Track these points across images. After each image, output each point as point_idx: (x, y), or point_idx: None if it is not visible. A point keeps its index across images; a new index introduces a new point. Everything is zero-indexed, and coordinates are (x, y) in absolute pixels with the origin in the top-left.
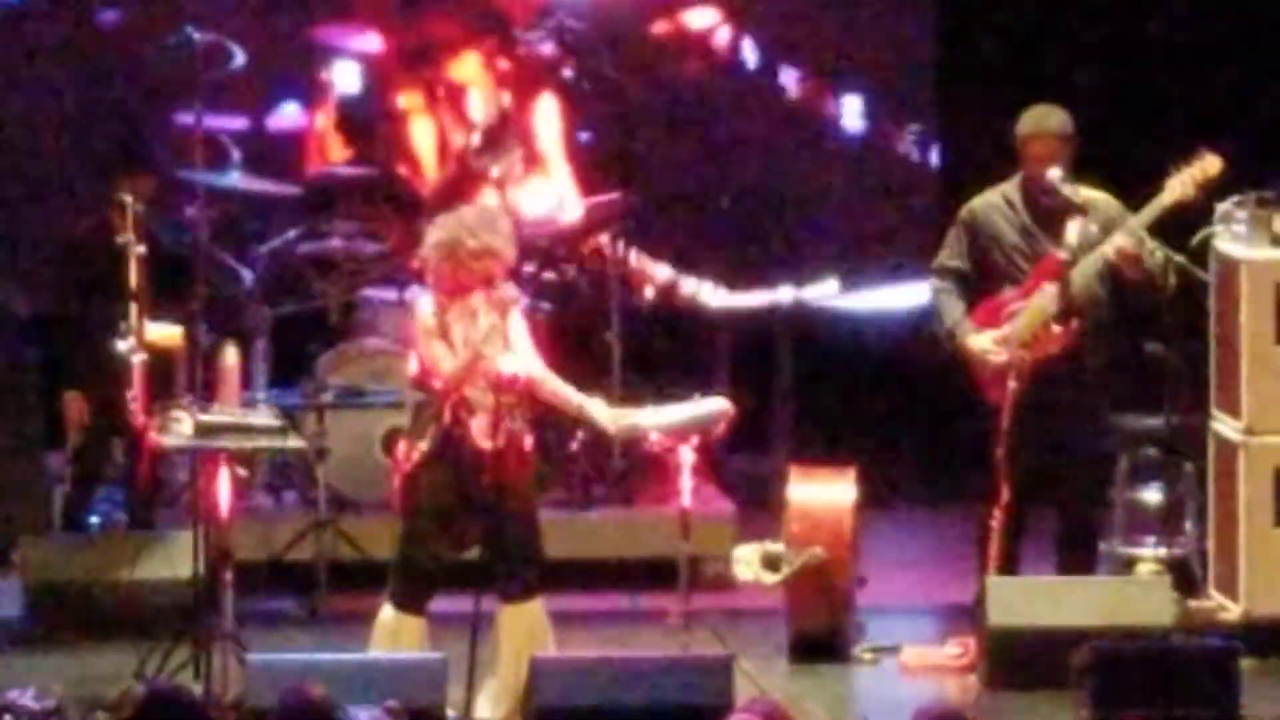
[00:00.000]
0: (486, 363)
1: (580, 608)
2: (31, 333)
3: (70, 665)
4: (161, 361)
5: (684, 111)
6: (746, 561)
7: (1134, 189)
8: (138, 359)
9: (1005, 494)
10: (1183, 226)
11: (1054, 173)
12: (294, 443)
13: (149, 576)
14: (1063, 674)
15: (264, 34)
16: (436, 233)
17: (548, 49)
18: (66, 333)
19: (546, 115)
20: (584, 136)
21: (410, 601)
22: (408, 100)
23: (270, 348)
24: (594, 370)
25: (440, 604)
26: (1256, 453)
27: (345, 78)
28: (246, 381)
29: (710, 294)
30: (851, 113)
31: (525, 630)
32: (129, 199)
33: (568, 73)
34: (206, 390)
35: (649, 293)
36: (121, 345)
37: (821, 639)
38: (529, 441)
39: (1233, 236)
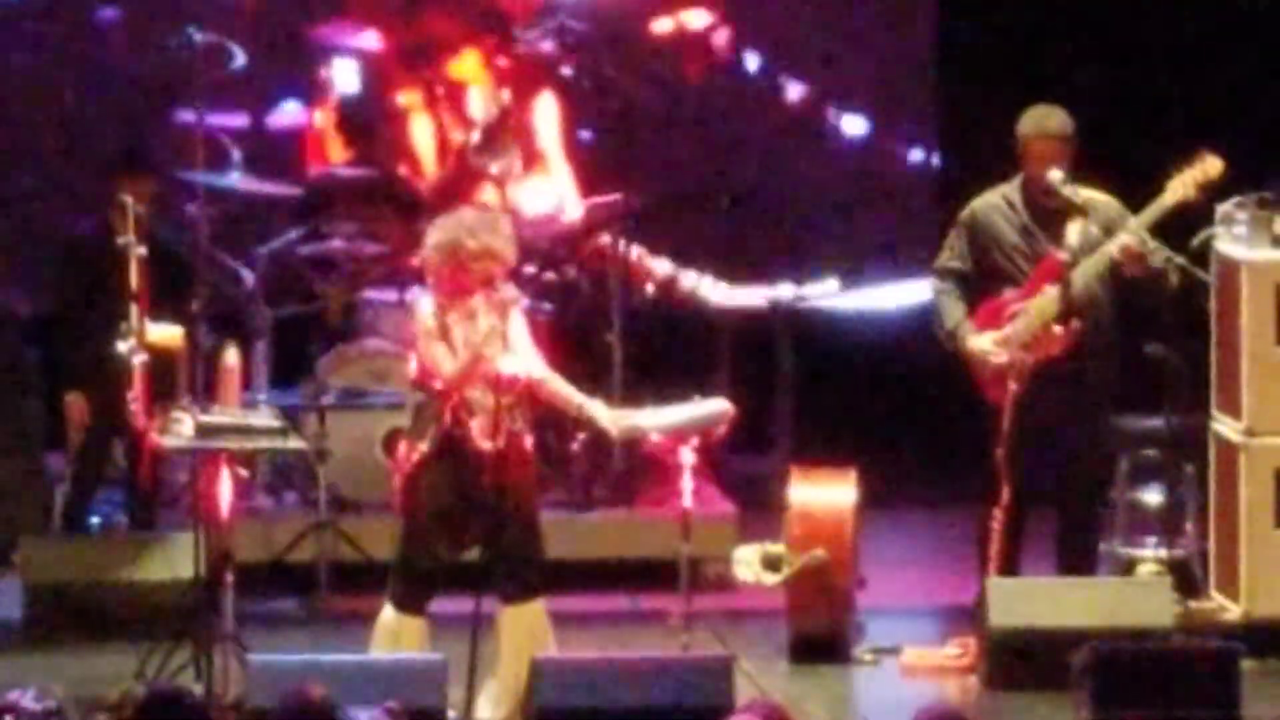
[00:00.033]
0: (487, 364)
1: (581, 608)
2: (32, 333)
3: (71, 666)
4: (162, 362)
5: (684, 111)
6: (747, 562)
7: (1134, 189)
8: (138, 360)
9: (1006, 495)
10: (1183, 228)
11: (1054, 173)
12: (295, 444)
13: (149, 577)
14: (1063, 675)
15: (263, 32)
16: (436, 234)
17: (547, 47)
18: (67, 333)
19: (546, 113)
20: (584, 135)
21: (411, 602)
22: (407, 98)
23: (271, 349)
24: (594, 371)
25: (441, 605)
26: (1257, 453)
27: (344, 76)
28: (247, 382)
29: (710, 289)
30: (851, 115)
31: (526, 631)
32: (129, 200)
33: (567, 71)
34: (207, 391)
35: (649, 289)
36: (122, 346)
37: (822, 640)
38: (529, 442)
39: (1233, 238)
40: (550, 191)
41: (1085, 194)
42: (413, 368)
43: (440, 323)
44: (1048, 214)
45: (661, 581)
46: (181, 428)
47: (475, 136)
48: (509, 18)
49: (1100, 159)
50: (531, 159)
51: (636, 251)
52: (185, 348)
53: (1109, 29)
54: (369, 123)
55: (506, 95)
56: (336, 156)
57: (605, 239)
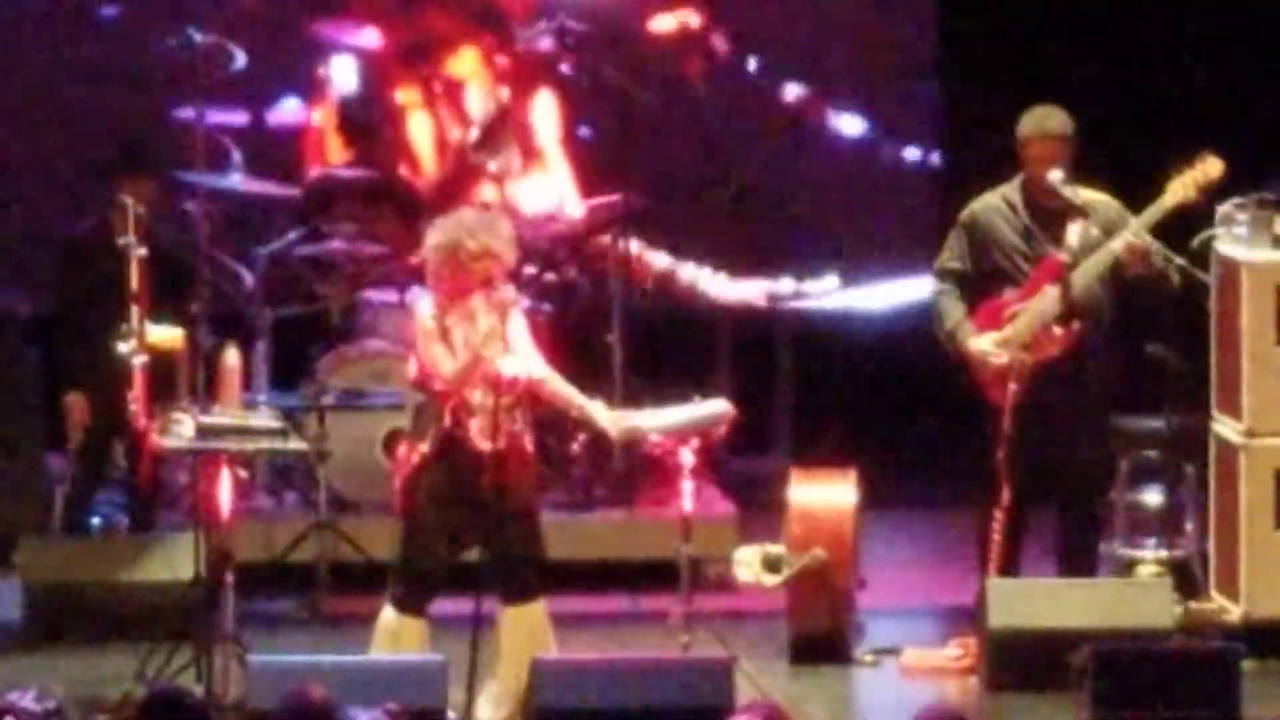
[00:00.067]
0: (486, 365)
1: (581, 609)
2: (32, 333)
3: (71, 667)
4: (162, 363)
5: (684, 111)
6: (747, 563)
7: (1134, 189)
8: (139, 361)
9: (1006, 495)
10: (1184, 228)
11: (1055, 174)
12: (295, 444)
13: (150, 578)
14: (1063, 676)
15: (263, 29)
16: (436, 235)
17: (546, 45)
18: (67, 334)
19: (545, 111)
20: (583, 133)
21: (411, 603)
22: (406, 96)
23: (271, 349)
24: (594, 372)
25: (441, 605)
26: (1257, 454)
27: (343, 73)
28: (247, 383)
29: (709, 282)
30: (851, 114)
31: (526, 632)
32: (129, 200)
33: (565, 69)
34: (207, 392)
35: (648, 283)
36: (122, 347)
37: (822, 640)
38: (529, 443)
39: (1233, 238)
40: (549, 189)
41: (1085, 195)
42: (412, 368)
43: (440, 324)
44: (1048, 215)
45: (662, 582)
46: (182, 428)
47: (473, 134)
48: (508, 16)
49: (1100, 159)
50: (530, 156)
51: (635, 246)
52: (185, 348)
53: (1109, 29)
54: (369, 123)
55: (505, 93)
56: (336, 157)
57: (606, 239)
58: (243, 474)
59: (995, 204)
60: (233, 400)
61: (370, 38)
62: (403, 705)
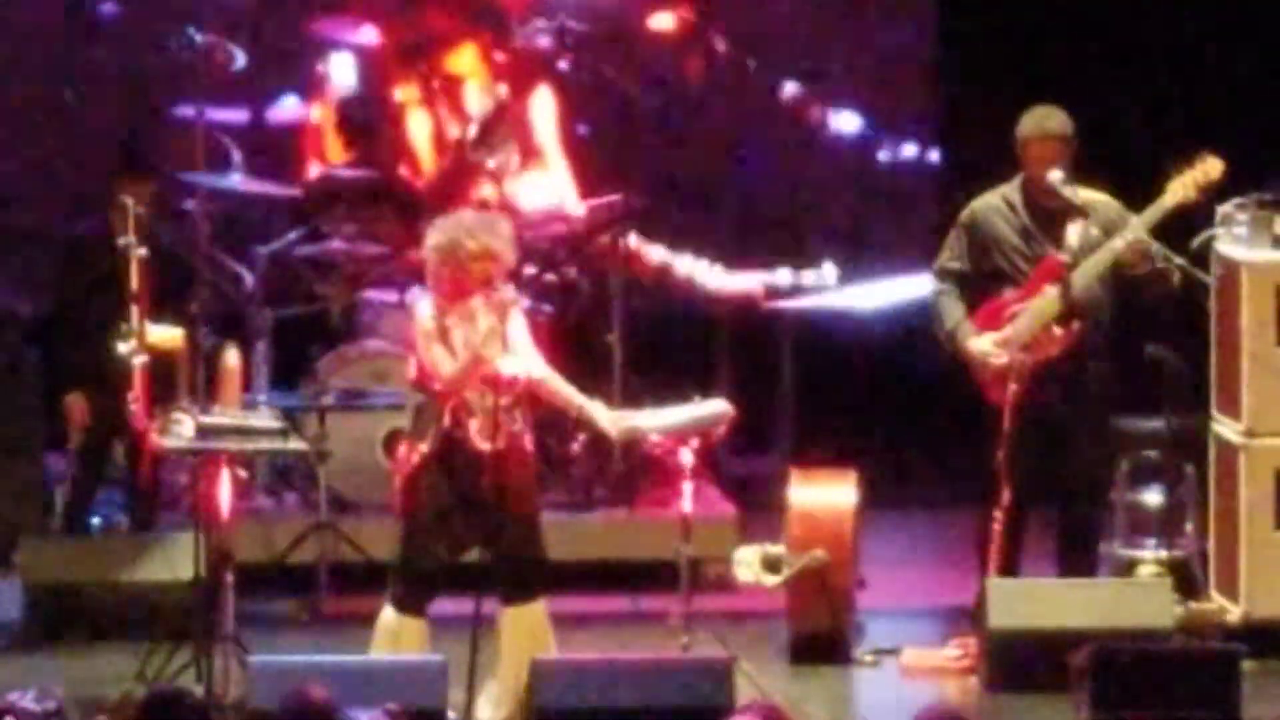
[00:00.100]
0: (486, 365)
1: (581, 609)
2: (32, 334)
3: (71, 667)
4: (162, 364)
5: (684, 111)
6: (747, 563)
7: (1134, 189)
8: (139, 361)
9: (1006, 496)
10: (1184, 228)
11: (1055, 174)
12: (295, 445)
13: (150, 578)
14: (1063, 676)
15: (263, 27)
16: (436, 235)
17: (543, 42)
18: (67, 334)
19: (543, 108)
20: (582, 130)
21: (411, 603)
22: (404, 93)
23: (271, 350)
24: (594, 372)
25: (441, 606)
26: (1257, 454)
27: (342, 71)
28: (247, 383)
29: (706, 274)
30: (850, 113)
31: (526, 632)
32: (130, 201)
33: (564, 66)
34: (207, 392)
35: (645, 277)
36: (122, 347)
37: (822, 641)
38: (529, 443)
39: (1233, 238)
40: (548, 186)
41: (1085, 195)
42: (411, 369)
43: (440, 324)
44: (1048, 215)
45: (662, 582)
46: (182, 429)
47: (472, 131)
48: (505, 13)
49: (1100, 159)
50: (529, 154)
51: (633, 240)
52: (185, 349)
53: (1109, 29)
54: (369, 123)
55: (503, 90)
56: (336, 157)
57: (606, 239)
58: (243, 474)
59: (995, 204)
60: (233, 400)
61: (369, 35)
62: (403, 705)
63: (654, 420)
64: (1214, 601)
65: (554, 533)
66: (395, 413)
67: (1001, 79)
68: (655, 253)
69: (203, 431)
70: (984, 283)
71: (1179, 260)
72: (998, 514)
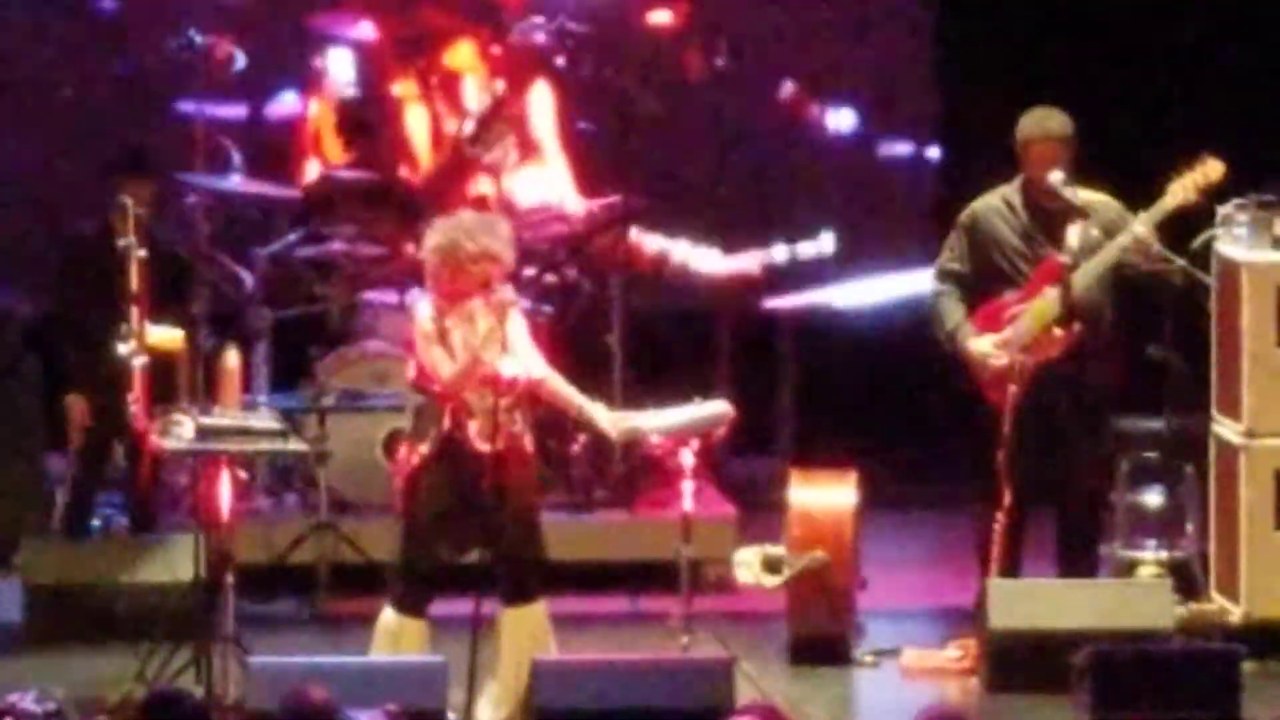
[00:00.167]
0: (485, 367)
1: (581, 610)
2: (32, 335)
3: (71, 668)
4: (162, 365)
5: (684, 110)
6: (747, 564)
7: (1134, 189)
8: (139, 362)
9: (1006, 497)
10: (1184, 229)
11: (1055, 175)
12: (295, 446)
13: (150, 579)
14: (1063, 677)
15: (261, 23)
16: (434, 237)
17: (540, 38)
18: (67, 335)
19: (541, 104)
20: (584, 127)
21: (411, 604)
22: (402, 89)
23: (271, 351)
24: (595, 373)
25: (441, 607)
26: (1257, 455)
27: (339, 66)
28: (247, 384)
29: (702, 259)
30: (850, 112)
31: (526, 633)
32: (130, 202)
33: (561, 62)
34: (207, 393)
35: (645, 268)
36: (122, 348)
37: (822, 642)
38: (530, 444)
39: (1234, 239)
40: (546, 182)
41: (1085, 195)
42: (411, 370)
43: (439, 326)
44: (1048, 216)
45: (662, 583)
46: (182, 430)
47: (468, 127)
48: (503, 8)
49: (1100, 159)
50: (527, 149)
51: (631, 233)
52: (185, 350)
53: (1109, 29)
54: (369, 123)
55: (500, 85)
56: (336, 158)
57: (606, 239)
58: (242, 475)
59: (995, 205)
60: (232, 401)
61: (366, 30)
62: (403, 706)
63: (654, 421)
64: (1214, 602)
65: (554, 533)
66: (395, 414)
67: (1001, 78)
68: (651, 241)
69: (203, 433)
70: (984, 284)
71: (1180, 261)
72: (998, 515)
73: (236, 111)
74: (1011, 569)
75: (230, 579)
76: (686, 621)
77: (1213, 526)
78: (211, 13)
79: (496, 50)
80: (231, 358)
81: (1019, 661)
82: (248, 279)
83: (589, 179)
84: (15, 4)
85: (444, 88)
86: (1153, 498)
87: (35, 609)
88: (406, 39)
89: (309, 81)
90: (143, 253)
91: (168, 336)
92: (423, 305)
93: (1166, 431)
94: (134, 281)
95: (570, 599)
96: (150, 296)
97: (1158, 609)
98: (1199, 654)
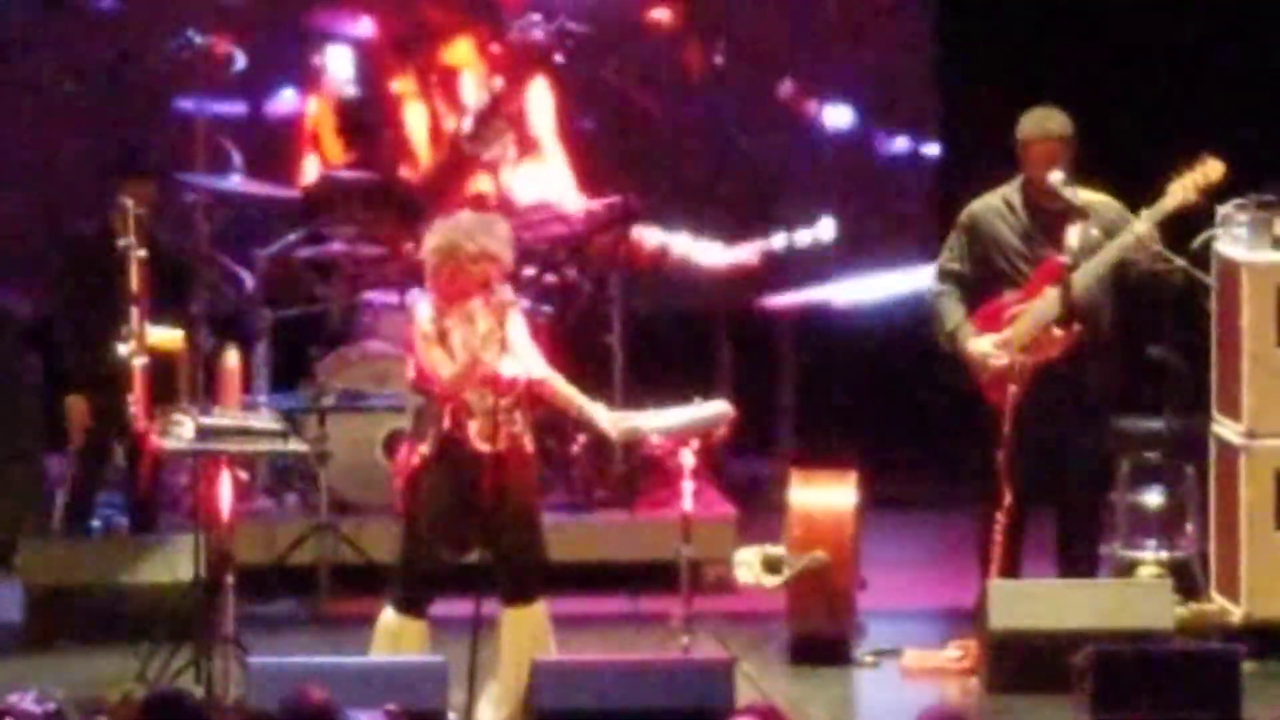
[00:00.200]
0: (484, 367)
1: (581, 611)
2: (32, 335)
3: (71, 668)
4: (163, 365)
5: (684, 109)
6: (748, 564)
7: (1134, 189)
8: (139, 362)
9: (1006, 497)
10: (1184, 229)
11: (1055, 175)
12: (295, 446)
13: (150, 580)
14: (1064, 677)
15: (260, 20)
16: (434, 237)
17: (538, 35)
18: (68, 336)
19: (540, 101)
20: (586, 124)
21: (411, 604)
22: (401, 86)
23: (271, 351)
24: (595, 373)
25: (441, 607)
26: (1258, 455)
27: (338, 63)
28: (247, 385)
29: (702, 251)
30: (850, 111)
31: (527, 633)
32: (130, 203)
33: (559, 59)
34: (207, 394)
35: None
36: (122, 349)
37: (822, 642)
38: (530, 444)
39: (1234, 239)
40: (545, 179)
41: (1085, 196)
42: (410, 371)
43: (438, 326)
44: (1048, 216)
45: (662, 583)
46: (182, 430)
47: (466, 124)
48: (502, 6)
49: (1100, 159)
50: (525, 146)
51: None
52: (185, 350)
53: (1109, 29)
54: (369, 124)
55: (499, 82)
56: (336, 158)
57: (606, 240)
58: (243, 476)
59: (995, 205)
60: (233, 402)
61: (365, 28)
62: (403, 707)
63: (654, 421)
64: (1214, 602)
65: (554, 533)
66: (395, 414)
67: (1001, 76)
68: (651, 235)
69: (203, 433)
70: (984, 284)
71: (1180, 261)
72: (998, 515)
73: (236, 110)
74: (1011, 569)
75: (230, 579)
76: (687, 622)
77: (1213, 527)
78: (211, 12)
79: (495, 47)
80: (231, 358)
81: (1019, 661)
82: (248, 279)
83: (589, 177)
84: (15, 4)
85: (443, 84)
86: (1153, 498)
87: (35, 609)
88: (405, 36)
89: (308, 79)
90: (143, 253)
91: (168, 337)
92: (422, 306)
93: (1166, 431)
94: (134, 281)
95: (570, 599)
96: (150, 296)
97: (1158, 609)
98: (1199, 654)
